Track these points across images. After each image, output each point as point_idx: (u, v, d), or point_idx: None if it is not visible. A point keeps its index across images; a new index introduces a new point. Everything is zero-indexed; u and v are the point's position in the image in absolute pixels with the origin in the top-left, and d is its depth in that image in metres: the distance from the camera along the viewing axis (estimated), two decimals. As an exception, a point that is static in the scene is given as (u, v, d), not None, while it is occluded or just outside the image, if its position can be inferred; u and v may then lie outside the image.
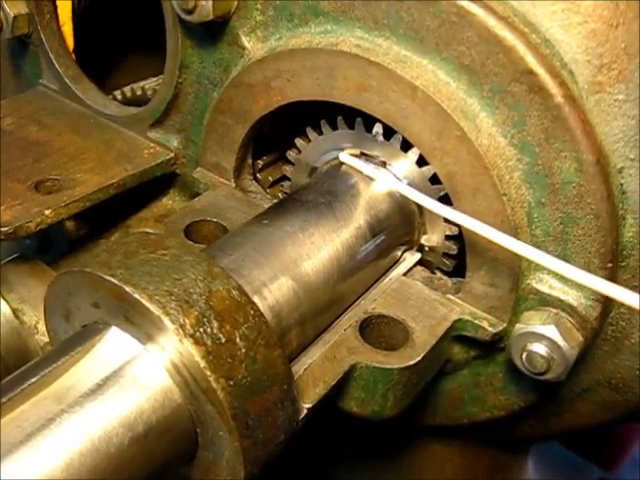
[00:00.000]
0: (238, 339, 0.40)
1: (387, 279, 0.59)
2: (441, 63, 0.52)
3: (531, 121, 0.50)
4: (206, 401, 0.39)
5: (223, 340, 0.40)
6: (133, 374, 0.41)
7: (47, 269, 0.63)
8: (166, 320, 0.39)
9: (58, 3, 0.76)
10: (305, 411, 0.46)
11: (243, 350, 0.40)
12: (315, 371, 0.49)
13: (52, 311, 0.47)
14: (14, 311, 0.59)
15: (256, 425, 0.40)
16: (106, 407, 0.39)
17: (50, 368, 0.41)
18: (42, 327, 0.59)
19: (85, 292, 0.43)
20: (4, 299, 0.58)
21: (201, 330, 0.39)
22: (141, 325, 0.41)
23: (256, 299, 0.46)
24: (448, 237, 0.60)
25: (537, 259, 0.49)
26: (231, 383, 0.39)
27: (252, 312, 0.42)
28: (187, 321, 0.39)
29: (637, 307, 0.44)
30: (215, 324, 0.40)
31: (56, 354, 0.42)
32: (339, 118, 0.61)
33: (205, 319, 0.40)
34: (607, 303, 0.54)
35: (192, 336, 0.39)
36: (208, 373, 0.38)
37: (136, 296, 0.40)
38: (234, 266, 0.48)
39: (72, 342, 0.43)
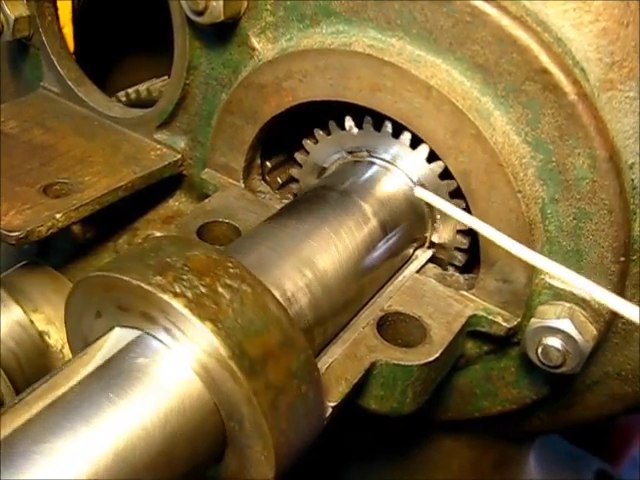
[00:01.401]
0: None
1: (401, 277, 0.59)
2: (455, 62, 0.52)
3: (545, 119, 0.51)
4: (239, 402, 0.40)
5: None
6: (156, 372, 0.41)
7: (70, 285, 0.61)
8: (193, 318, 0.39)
9: (59, 5, 0.76)
10: (330, 410, 0.47)
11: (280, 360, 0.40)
12: (337, 370, 0.50)
13: (75, 315, 0.46)
14: (40, 334, 0.56)
15: (287, 423, 0.41)
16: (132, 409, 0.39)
17: (73, 374, 0.41)
18: (68, 351, 0.57)
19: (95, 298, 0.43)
20: (29, 319, 0.56)
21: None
22: (161, 324, 0.41)
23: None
24: (459, 231, 0.61)
25: (548, 268, 0.49)
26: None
27: (284, 319, 0.42)
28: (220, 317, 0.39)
29: (637, 320, 0.43)
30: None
31: (78, 359, 0.42)
32: (347, 118, 0.61)
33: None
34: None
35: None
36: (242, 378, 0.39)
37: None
38: (254, 267, 0.48)
39: (92, 347, 0.43)
